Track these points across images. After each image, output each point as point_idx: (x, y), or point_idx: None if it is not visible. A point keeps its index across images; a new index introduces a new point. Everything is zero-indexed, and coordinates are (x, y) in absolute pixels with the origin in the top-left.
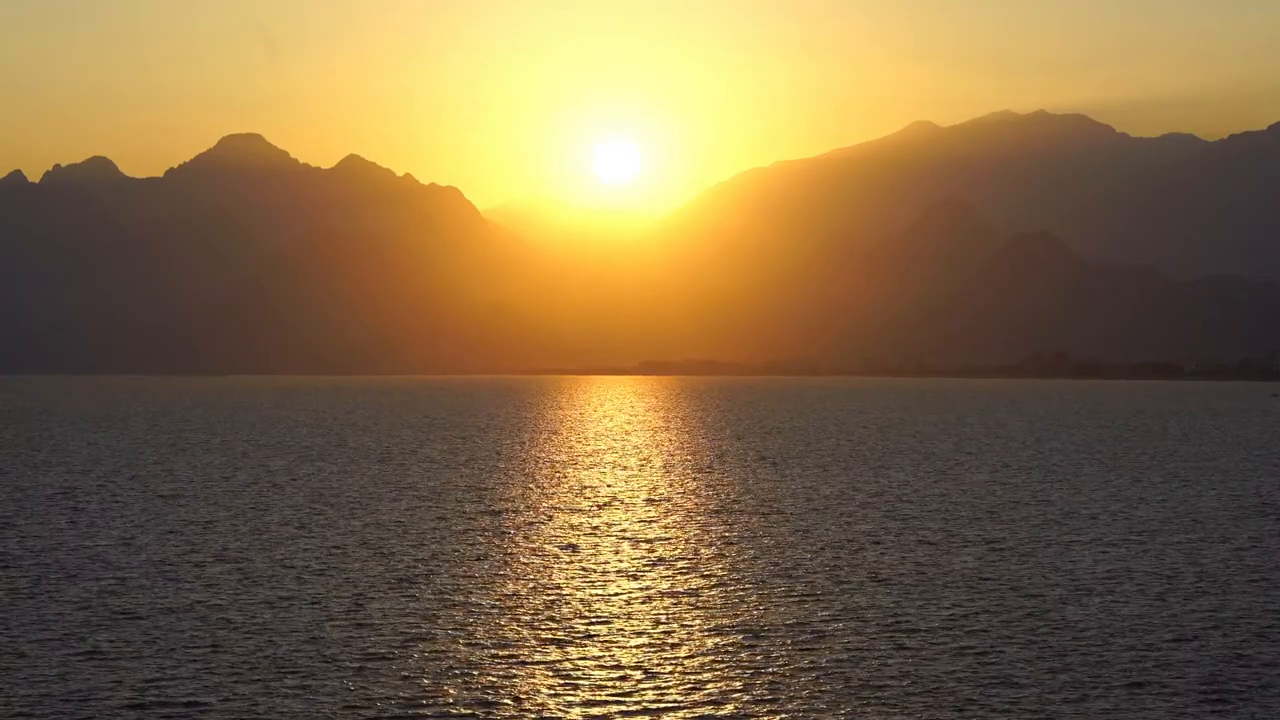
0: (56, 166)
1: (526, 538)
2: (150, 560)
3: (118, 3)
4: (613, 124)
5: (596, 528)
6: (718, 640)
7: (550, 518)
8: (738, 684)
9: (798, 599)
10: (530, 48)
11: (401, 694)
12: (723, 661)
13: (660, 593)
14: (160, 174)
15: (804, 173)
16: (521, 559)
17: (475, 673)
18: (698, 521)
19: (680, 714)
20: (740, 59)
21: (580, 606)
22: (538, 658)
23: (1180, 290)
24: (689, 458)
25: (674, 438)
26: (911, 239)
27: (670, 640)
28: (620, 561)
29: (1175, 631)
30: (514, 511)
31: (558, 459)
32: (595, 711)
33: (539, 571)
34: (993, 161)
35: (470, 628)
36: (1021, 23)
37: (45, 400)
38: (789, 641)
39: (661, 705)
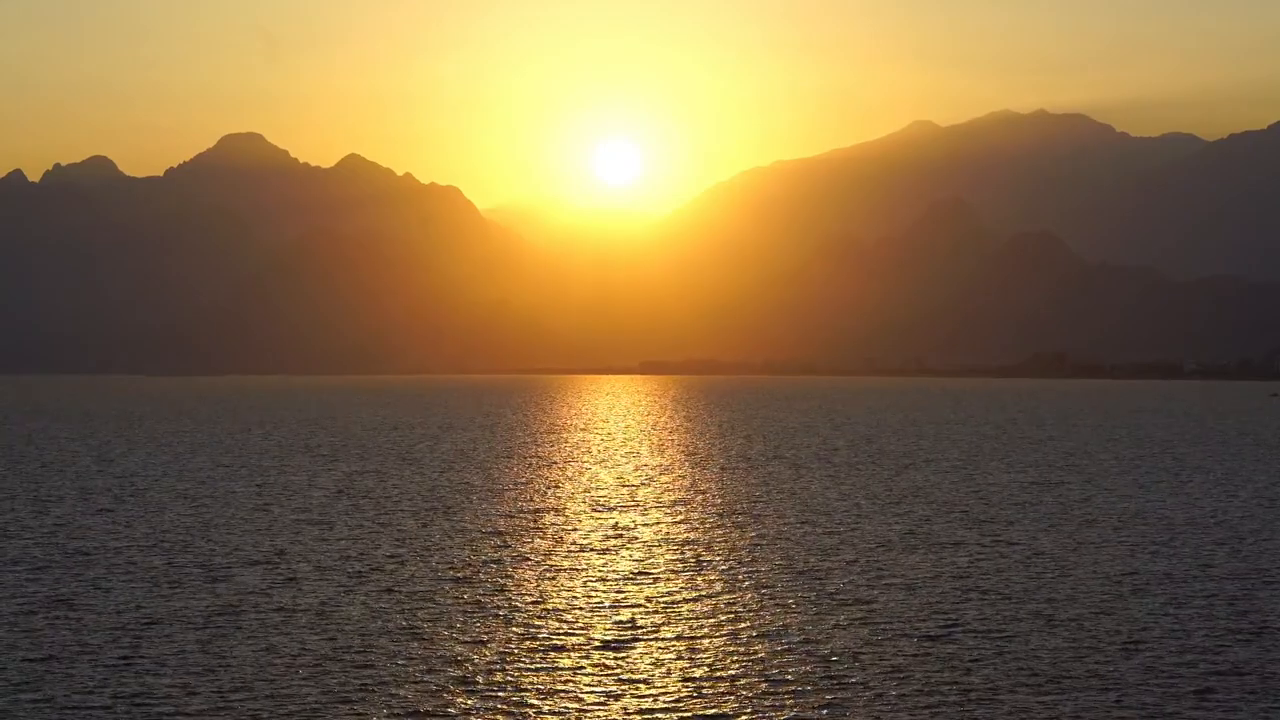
0: (56, 166)
1: (545, 540)
2: (173, 564)
3: (118, 3)
4: (613, 124)
5: (619, 529)
6: (739, 643)
7: (570, 519)
8: (760, 688)
9: (820, 601)
10: (530, 48)
11: (413, 696)
12: (745, 664)
13: (683, 595)
14: (160, 174)
15: (804, 173)
16: (541, 561)
17: (496, 675)
18: (719, 523)
19: (696, 716)
20: (740, 59)
21: (601, 610)
22: (556, 660)
23: (1180, 290)
24: (701, 458)
25: (684, 438)
26: (911, 239)
27: (694, 643)
28: (641, 564)
29: (1206, 633)
30: (531, 513)
31: (571, 459)
32: (613, 714)
33: (561, 574)
34: (993, 161)
35: (491, 631)
36: (1021, 23)
37: (46, 401)
38: (812, 645)
39: (679, 707)
